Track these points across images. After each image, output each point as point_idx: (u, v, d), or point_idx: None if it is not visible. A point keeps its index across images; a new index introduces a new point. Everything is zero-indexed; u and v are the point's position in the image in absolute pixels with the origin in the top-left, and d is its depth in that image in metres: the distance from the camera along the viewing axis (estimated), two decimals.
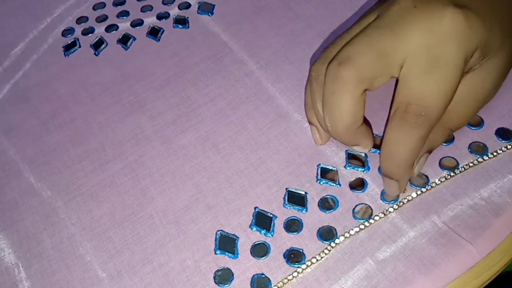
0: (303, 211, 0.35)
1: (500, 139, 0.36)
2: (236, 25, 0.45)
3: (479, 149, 0.36)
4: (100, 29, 0.46)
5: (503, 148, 0.36)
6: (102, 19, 0.47)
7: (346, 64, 0.32)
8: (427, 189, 0.35)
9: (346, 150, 0.37)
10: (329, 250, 0.33)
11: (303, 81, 0.41)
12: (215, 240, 0.34)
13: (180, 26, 0.46)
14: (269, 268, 0.33)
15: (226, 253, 0.34)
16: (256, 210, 0.35)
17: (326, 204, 0.35)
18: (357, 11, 0.44)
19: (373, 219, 0.34)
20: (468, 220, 0.33)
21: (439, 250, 0.32)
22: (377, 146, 0.36)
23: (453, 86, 0.31)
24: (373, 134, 0.37)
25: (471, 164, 0.35)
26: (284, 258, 0.33)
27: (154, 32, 0.45)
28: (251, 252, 0.34)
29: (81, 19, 0.47)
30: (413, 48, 0.31)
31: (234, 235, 0.34)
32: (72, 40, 0.46)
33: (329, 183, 0.36)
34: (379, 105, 0.38)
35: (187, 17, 0.46)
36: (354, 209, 0.34)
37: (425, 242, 0.33)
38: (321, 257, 0.33)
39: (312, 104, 0.35)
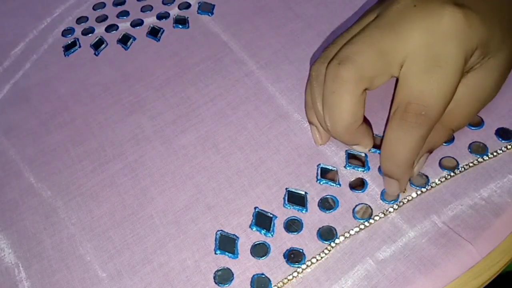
0: (303, 211, 0.35)
1: (500, 139, 0.36)
2: (236, 25, 0.45)
3: (479, 149, 0.36)
4: (100, 29, 0.46)
5: (503, 148, 0.36)
6: (102, 19, 0.47)
7: (346, 63, 0.32)
8: (427, 189, 0.35)
9: (346, 150, 0.37)
10: (329, 250, 0.33)
11: (303, 81, 0.41)
12: (215, 240, 0.34)
13: (180, 26, 0.46)
14: (269, 268, 0.33)
15: (226, 253, 0.34)
16: (256, 210, 0.35)
17: (326, 204, 0.35)
18: (357, 11, 0.44)
19: (373, 219, 0.34)
20: (468, 220, 0.33)
21: (439, 250, 0.32)
22: (377, 146, 0.36)
23: (453, 86, 0.31)
24: (373, 134, 0.37)
25: (471, 164, 0.35)
26: (284, 258, 0.33)
27: (154, 32, 0.45)
28: (251, 252, 0.34)
29: (81, 19, 0.47)
30: (413, 47, 0.31)
31: (234, 235, 0.34)
32: (72, 40, 0.46)
33: (329, 183, 0.36)
34: (379, 105, 0.38)
35: (187, 17, 0.46)
36: (354, 209, 0.34)
37: (425, 242, 0.33)
38: (321, 257, 0.33)
39: (312, 103, 0.35)
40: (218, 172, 0.37)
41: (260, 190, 0.36)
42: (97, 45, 0.45)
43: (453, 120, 0.34)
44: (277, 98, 0.40)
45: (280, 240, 0.34)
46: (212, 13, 0.46)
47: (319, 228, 0.34)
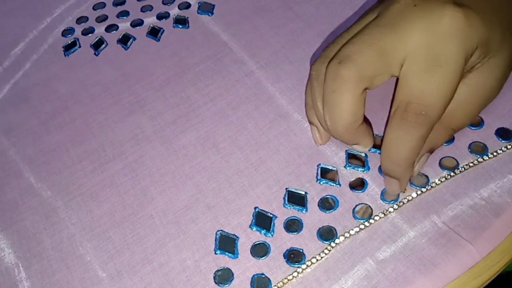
0: (303, 211, 0.35)
1: (500, 139, 0.36)
2: (236, 25, 0.45)
3: (479, 149, 0.36)
4: (100, 29, 0.46)
5: (503, 148, 0.36)
6: (102, 19, 0.47)
7: (346, 62, 0.32)
8: (427, 189, 0.35)
9: (346, 150, 0.37)
10: (329, 250, 0.33)
11: (303, 81, 0.41)
12: (215, 240, 0.34)
13: (180, 26, 0.46)
14: (269, 268, 0.33)
15: (226, 253, 0.34)
16: (256, 210, 0.35)
17: (326, 204, 0.35)
18: (357, 10, 0.44)
19: (373, 219, 0.34)
20: (468, 220, 0.33)
21: (439, 250, 0.32)
22: (377, 146, 0.36)
23: (453, 85, 0.31)
24: (373, 133, 0.37)
25: (471, 164, 0.35)
26: (284, 258, 0.33)
27: (154, 32, 0.45)
28: (251, 252, 0.34)
29: (81, 19, 0.47)
30: (413, 47, 0.31)
31: (234, 235, 0.34)
32: (72, 40, 0.46)
33: (329, 183, 0.36)
34: (379, 105, 0.38)
35: (187, 17, 0.46)
36: (354, 209, 0.34)
37: (425, 242, 0.33)
38: (321, 257, 0.33)
39: (313, 103, 0.35)
40: (218, 172, 0.37)
41: (260, 190, 0.36)
42: (97, 45, 0.45)
43: (454, 120, 0.34)
44: (277, 98, 0.40)
45: (280, 240, 0.34)
46: (212, 13, 0.46)
47: (319, 228, 0.34)
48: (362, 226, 0.34)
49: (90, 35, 0.46)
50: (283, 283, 0.32)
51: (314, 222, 0.34)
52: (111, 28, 0.46)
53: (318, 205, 0.35)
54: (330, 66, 0.33)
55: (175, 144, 0.39)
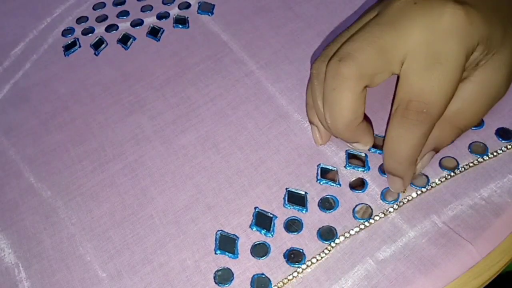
0: (303, 211, 0.35)
1: (500, 139, 0.36)
2: (236, 25, 0.45)
3: (479, 149, 0.36)
4: (100, 29, 0.46)
5: (503, 148, 0.36)
6: (102, 19, 0.47)
7: (346, 60, 0.32)
8: (427, 189, 0.35)
9: (346, 150, 0.37)
10: (329, 250, 0.33)
11: (303, 81, 0.41)
12: (215, 240, 0.34)
13: (180, 26, 0.46)
14: (269, 268, 0.33)
15: (226, 253, 0.34)
16: (256, 210, 0.35)
17: (326, 204, 0.35)
18: (357, 10, 0.44)
19: (373, 219, 0.34)
20: (468, 220, 0.33)
21: (439, 250, 0.32)
22: (377, 146, 0.36)
23: (454, 82, 0.31)
24: (373, 132, 0.37)
25: (471, 164, 0.35)
26: (284, 258, 0.33)
27: (154, 32, 0.45)
28: (251, 252, 0.34)
29: (81, 19, 0.47)
30: (414, 45, 0.31)
31: (234, 235, 0.34)
32: (72, 40, 0.46)
33: (329, 183, 0.36)
34: (379, 104, 0.38)
35: (187, 17, 0.46)
36: (354, 209, 0.34)
37: (425, 242, 0.33)
38: (321, 257, 0.33)
39: (313, 101, 0.35)
40: (218, 172, 0.37)
41: (260, 190, 0.36)
42: (97, 45, 0.45)
43: (461, 119, 0.34)
44: (277, 98, 0.40)
45: (280, 240, 0.34)
46: (212, 13, 0.46)
47: (319, 228, 0.34)
48: (362, 226, 0.34)
49: (90, 35, 0.46)
50: (283, 283, 0.32)
51: (314, 222, 0.34)
52: (111, 28, 0.46)
53: (318, 205, 0.35)
54: (330, 64, 0.33)
55: (175, 144, 0.39)
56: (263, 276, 0.33)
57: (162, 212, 0.36)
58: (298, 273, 0.33)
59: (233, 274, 0.33)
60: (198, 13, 0.46)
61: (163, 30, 0.45)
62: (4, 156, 0.40)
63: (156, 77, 0.43)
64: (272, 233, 0.34)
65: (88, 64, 0.44)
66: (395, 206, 0.34)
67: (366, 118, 0.35)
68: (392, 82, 0.36)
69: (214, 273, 0.33)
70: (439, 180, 0.35)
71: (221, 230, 0.35)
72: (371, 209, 0.34)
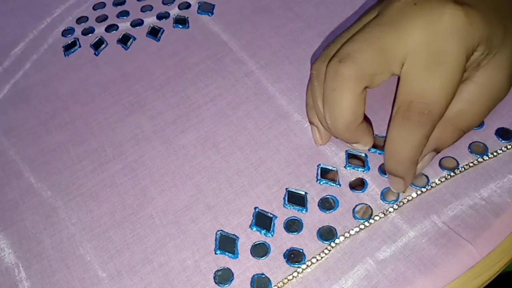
0: (303, 211, 0.35)
1: (500, 139, 0.36)
2: (236, 25, 0.45)
3: (479, 149, 0.36)
4: (100, 29, 0.46)
5: (503, 148, 0.36)
6: (102, 19, 0.47)
7: (346, 61, 0.32)
8: (427, 189, 0.35)
9: (346, 150, 0.37)
10: (329, 250, 0.33)
11: (303, 81, 0.41)
12: (215, 240, 0.34)
13: (180, 26, 0.46)
14: (269, 268, 0.33)
15: (226, 253, 0.34)
16: (256, 210, 0.35)
17: (326, 204, 0.35)
18: (357, 10, 0.44)
19: (373, 219, 0.34)
20: (468, 220, 0.33)
21: (439, 250, 0.32)
22: (377, 146, 0.36)
23: (454, 83, 0.31)
24: (373, 132, 0.37)
25: (471, 164, 0.35)
26: (284, 258, 0.33)
27: (154, 32, 0.45)
28: (251, 252, 0.34)
29: (81, 19, 0.47)
30: (414, 45, 0.31)
31: (234, 235, 0.34)
32: (72, 40, 0.46)
33: (329, 183, 0.36)
34: (379, 105, 0.38)
35: (187, 17, 0.46)
36: (354, 209, 0.34)
37: (425, 242, 0.33)
38: (321, 257, 0.33)
39: (313, 102, 0.35)
40: (218, 172, 0.37)
41: (260, 190, 0.36)
42: (97, 45, 0.45)
43: (463, 120, 0.34)
44: (277, 98, 0.40)
45: (280, 240, 0.34)
46: (212, 13, 0.46)
47: (319, 228, 0.34)
48: (362, 226, 0.34)
49: (90, 35, 0.46)
50: (283, 283, 0.32)
51: (314, 222, 0.34)
52: (111, 28, 0.46)
53: (318, 205, 0.35)
54: (330, 64, 0.33)
55: (175, 144, 0.39)
56: (263, 276, 0.33)
57: (162, 212, 0.36)
58: (298, 273, 0.33)
59: (233, 274, 0.33)
60: (198, 13, 0.46)
61: (163, 30, 0.45)
62: (4, 156, 0.40)
63: (156, 77, 0.43)
64: (272, 233, 0.34)
65: (88, 64, 0.44)
66: (395, 206, 0.34)
67: (366, 119, 0.35)
68: (393, 82, 0.36)
69: (214, 273, 0.33)
70: (439, 180, 0.35)
71: (221, 230, 0.35)
72: (371, 209, 0.34)
